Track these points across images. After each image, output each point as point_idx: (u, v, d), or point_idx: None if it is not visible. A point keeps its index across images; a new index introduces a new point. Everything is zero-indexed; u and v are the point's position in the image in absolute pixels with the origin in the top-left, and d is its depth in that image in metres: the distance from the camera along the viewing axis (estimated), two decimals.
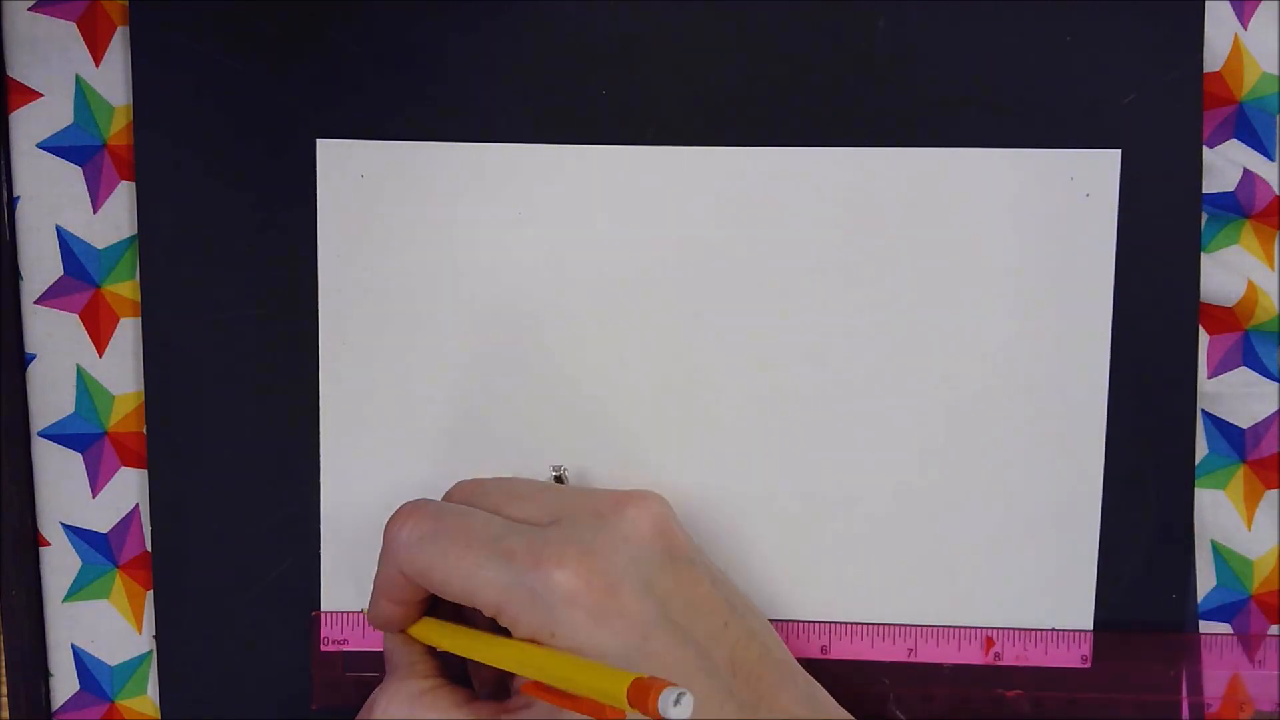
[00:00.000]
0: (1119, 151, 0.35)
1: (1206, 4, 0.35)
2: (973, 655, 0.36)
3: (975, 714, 0.37)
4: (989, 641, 0.36)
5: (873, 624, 0.36)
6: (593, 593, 0.27)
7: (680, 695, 0.23)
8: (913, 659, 0.36)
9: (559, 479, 0.35)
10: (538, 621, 0.27)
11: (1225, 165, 0.36)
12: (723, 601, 0.30)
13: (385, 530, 0.30)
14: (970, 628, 0.36)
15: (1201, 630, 0.37)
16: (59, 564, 0.37)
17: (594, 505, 0.30)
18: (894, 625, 0.36)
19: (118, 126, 0.36)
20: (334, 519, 0.37)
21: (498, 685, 0.33)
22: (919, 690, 0.37)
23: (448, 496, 0.33)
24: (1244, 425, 0.37)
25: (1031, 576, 0.36)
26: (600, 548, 0.28)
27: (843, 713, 0.31)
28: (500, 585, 0.28)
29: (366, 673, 0.37)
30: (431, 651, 0.32)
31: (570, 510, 0.29)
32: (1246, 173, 0.36)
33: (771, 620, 0.36)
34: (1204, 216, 0.36)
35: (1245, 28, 0.35)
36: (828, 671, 0.33)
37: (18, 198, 0.36)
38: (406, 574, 0.29)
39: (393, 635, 0.33)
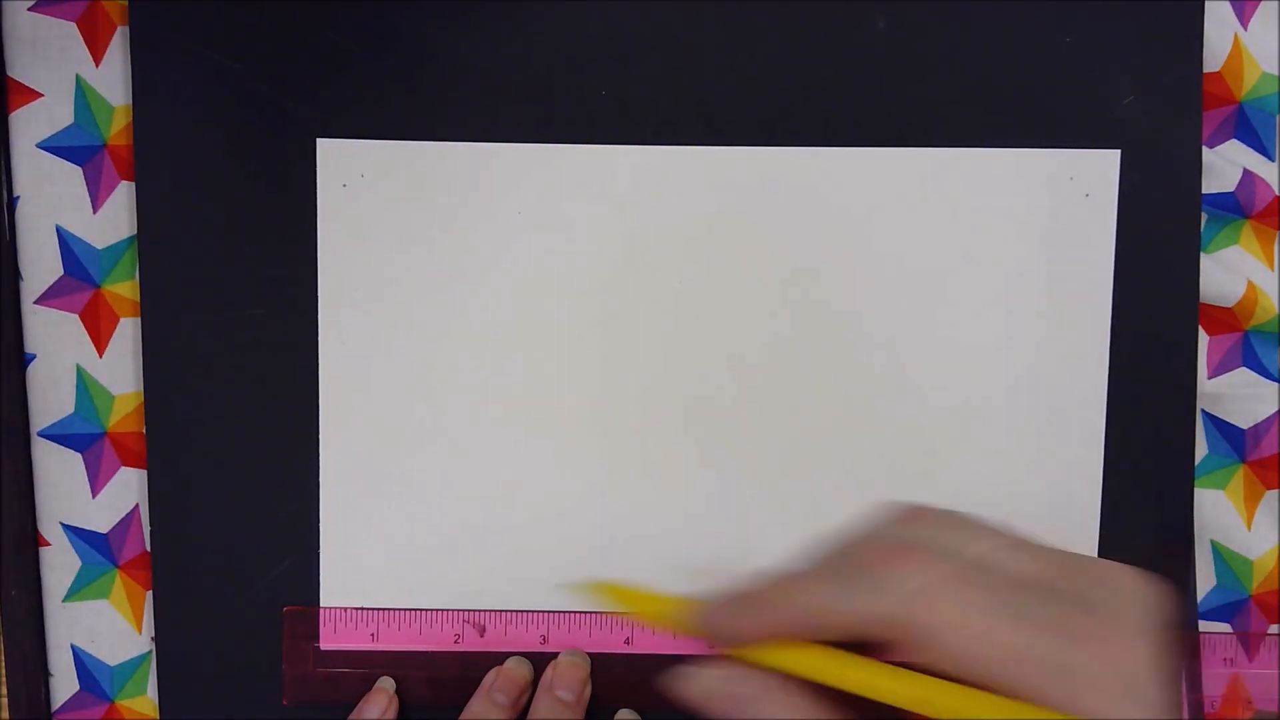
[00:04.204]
0: (1119, 151, 0.35)
1: (1206, 4, 0.35)
2: None
3: None
4: None
5: None
6: (1126, 674, 0.22)
7: None
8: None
9: None
10: (1058, 697, 0.22)
11: (1225, 165, 0.36)
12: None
13: (874, 562, 0.23)
14: None
15: (1201, 630, 0.37)
16: (59, 564, 0.37)
17: (1101, 575, 0.25)
18: None
19: (118, 126, 0.36)
20: (334, 519, 0.37)
21: None
22: None
23: (903, 520, 0.25)
24: (1244, 426, 0.37)
25: None
26: (1130, 626, 0.23)
27: None
28: (1031, 659, 0.22)
29: (337, 668, 0.37)
30: (795, 683, 0.24)
31: (1075, 575, 0.24)
32: (1246, 173, 0.36)
33: None
34: (1204, 217, 0.36)
35: (1245, 28, 0.35)
36: None
37: (18, 198, 0.36)
38: (894, 621, 0.22)
39: (727, 667, 0.24)
